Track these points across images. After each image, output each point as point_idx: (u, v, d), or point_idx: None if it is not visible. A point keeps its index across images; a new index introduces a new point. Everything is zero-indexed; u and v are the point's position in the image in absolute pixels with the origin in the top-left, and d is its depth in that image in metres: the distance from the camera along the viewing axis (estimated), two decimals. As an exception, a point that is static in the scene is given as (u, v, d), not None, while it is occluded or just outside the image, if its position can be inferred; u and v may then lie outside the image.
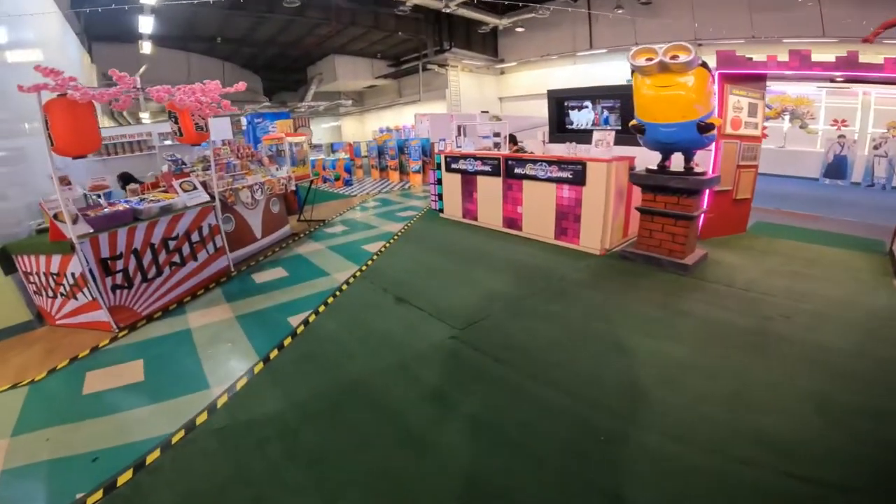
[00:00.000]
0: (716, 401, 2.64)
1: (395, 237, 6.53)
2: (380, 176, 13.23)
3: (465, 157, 6.77)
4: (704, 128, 4.11)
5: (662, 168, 4.71)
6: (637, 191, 5.18)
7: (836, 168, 12.55)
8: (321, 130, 28.49)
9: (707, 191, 5.08)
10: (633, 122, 4.57)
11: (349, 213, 8.58)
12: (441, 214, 7.69)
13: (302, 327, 3.81)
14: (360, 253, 5.85)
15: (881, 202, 9.56)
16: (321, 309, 4.16)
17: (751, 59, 5.32)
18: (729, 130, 5.57)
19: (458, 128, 7.65)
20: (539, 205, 5.86)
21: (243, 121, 12.29)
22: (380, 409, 2.70)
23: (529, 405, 2.68)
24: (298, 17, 14.54)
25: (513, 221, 6.33)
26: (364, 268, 5.24)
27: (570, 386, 2.85)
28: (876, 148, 12.22)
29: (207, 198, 4.95)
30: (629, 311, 3.90)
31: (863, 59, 4.48)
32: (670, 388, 2.77)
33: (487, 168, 6.44)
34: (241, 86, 4.75)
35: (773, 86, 13.07)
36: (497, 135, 6.97)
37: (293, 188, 6.54)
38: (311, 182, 7.60)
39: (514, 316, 3.86)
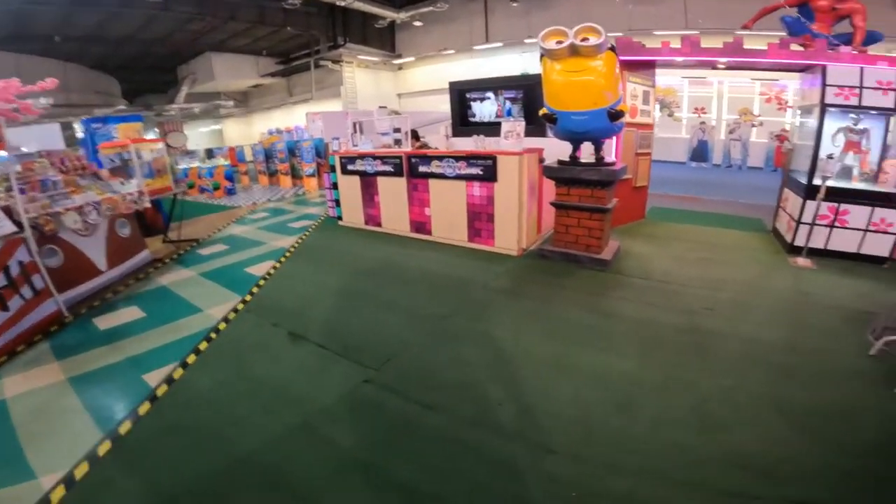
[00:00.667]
0: (677, 421, 2.33)
1: (288, 254, 5.58)
2: (269, 182, 11.85)
3: (362, 156, 6.04)
4: (614, 115, 3.89)
5: (574, 159, 4.45)
6: (548, 183, 4.91)
7: (700, 152, 14.04)
8: (199, 135, 25.45)
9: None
10: (544, 110, 4.23)
11: (231, 227, 7.34)
12: (340, 222, 6.85)
13: (164, 387, 2.87)
14: (242, 278, 4.84)
15: (740, 182, 10.85)
16: (191, 359, 3.20)
17: (644, 45, 5.33)
18: (627, 119, 5.55)
19: (355, 125, 6.87)
20: (449, 206, 5.35)
21: (79, 128, 9.99)
22: (281, 492, 2.01)
23: (476, 462, 2.13)
24: (164, 11, 12.45)
25: (421, 226, 5.76)
26: (248, 297, 4.29)
27: (519, 428, 2.34)
28: (731, 133, 13.86)
29: (13, 228, 3.65)
30: (561, 319, 3.52)
31: (747, 45, 4.68)
32: (627, 414, 2.40)
33: (389, 168, 5.77)
34: (48, 83, 3.54)
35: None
36: (398, 130, 6.34)
37: (147, 204, 5.28)
38: (175, 195, 6.30)
39: (438, 343, 3.27)
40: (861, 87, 4.37)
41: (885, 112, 4.58)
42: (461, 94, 6.99)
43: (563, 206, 4.57)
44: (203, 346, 3.39)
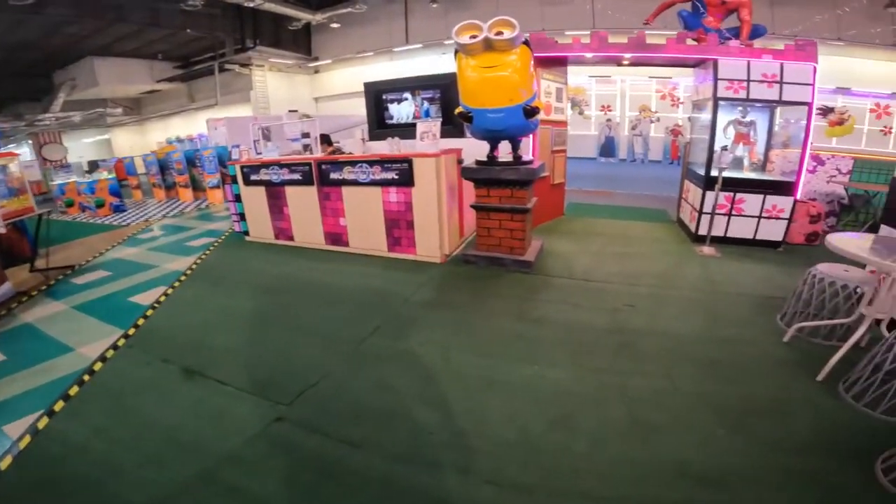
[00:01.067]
0: (616, 433, 2.22)
1: (184, 277, 4.89)
2: (167, 196, 10.63)
3: (266, 165, 5.49)
4: (530, 112, 3.80)
5: (492, 159, 4.32)
6: (467, 185, 4.76)
7: (608, 148, 14.95)
8: (83, 146, 22.47)
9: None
10: (459, 109, 4.05)
11: (116, 250, 6.37)
12: (247, 238, 6.20)
13: (28, 438, 2.35)
14: (125, 309, 4.12)
15: (644, 175, 11.69)
16: (58, 406, 2.63)
17: (556, 42, 5.38)
18: (542, 116, 5.58)
19: (260, 130, 6.27)
20: (365, 214, 5.00)
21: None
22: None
23: (413, 504, 1.85)
24: (34, 14, 10.63)
25: (337, 237, 5.34)
26: (132, 331, 3.64)
27: (454, 459, 2.09)
28: (633, 129, 14.90)
29: None
30: (489, 329, 3.34)
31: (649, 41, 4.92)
32: (565, 429, 2.25)
33: (297, 176, 5.28)
34: None
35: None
36: (307, 135, 5.86)
37: (2, 230, 4.36)
38: (41, 216, 5.33)
39: (358, 367, 2.93)
40: (748, 81, 4.69)
41: (770, 104, 4.98)
42: (377, 96, 6.67)
43: (484, 208, 4.43)
44: (73, 391, 2.80)
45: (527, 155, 4.62)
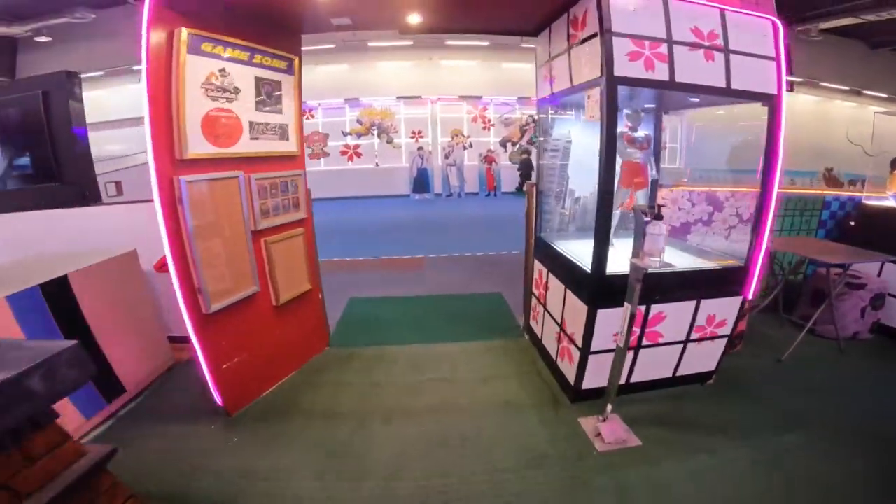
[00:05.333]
0: None
1: None
2: None
3: None
4: None
5: None
6: None
7: (421, 182, 12.59)
8: None
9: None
10: None
11: None
12: None
13: None
14: None
15: (462, 214, 9.52)
16: None
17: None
18: (195, 151, 2.13)
19: None
20: None
21: None
22: None
23: None
24: None
25: None
26: None
27: None
28: (447, 157, 12.85)
29: None
30: None
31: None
32: None
33: None
34: None
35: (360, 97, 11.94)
36: None
37: None
38: None
39: None
40: (670, 42, 2.02)
41: (716, 95, 2.16)
42: None
43: None
44: None
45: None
